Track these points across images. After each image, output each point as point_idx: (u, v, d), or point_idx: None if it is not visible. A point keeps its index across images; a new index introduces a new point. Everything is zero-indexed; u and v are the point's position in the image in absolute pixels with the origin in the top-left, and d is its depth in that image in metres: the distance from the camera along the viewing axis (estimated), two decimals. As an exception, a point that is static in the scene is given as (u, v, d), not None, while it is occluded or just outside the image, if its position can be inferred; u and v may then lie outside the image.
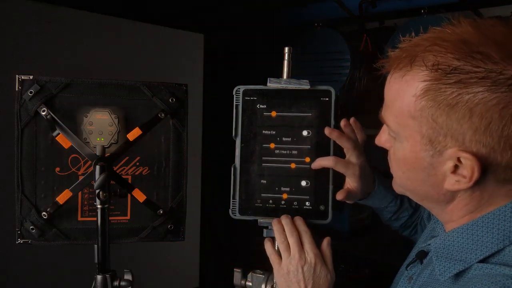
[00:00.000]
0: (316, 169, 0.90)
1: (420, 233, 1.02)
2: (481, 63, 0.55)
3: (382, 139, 0.74)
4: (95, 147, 0.89)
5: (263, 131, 0.93)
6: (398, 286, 0.79)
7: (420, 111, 0.60)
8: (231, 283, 0.97)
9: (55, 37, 1.62)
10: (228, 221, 0.97)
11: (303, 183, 0.92)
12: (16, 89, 0.88)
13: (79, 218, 0.93)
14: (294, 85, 0.92)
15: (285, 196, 0.93)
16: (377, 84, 0.73)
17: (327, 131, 0.89)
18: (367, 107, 0.96)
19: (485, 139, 0.57)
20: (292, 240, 0.84)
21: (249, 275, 0.95)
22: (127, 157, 0.94)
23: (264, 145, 0.93)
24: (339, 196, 0.89)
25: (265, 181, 0.93)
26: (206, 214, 2.19)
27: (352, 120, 0.92)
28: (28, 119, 0.89)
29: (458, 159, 0.60)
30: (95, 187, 0.85)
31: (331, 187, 0.91)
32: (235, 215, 0.95)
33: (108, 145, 0.91)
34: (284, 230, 0.86)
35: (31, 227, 0.90)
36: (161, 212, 0.95)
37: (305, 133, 0.92)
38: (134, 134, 0.91)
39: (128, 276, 0.88)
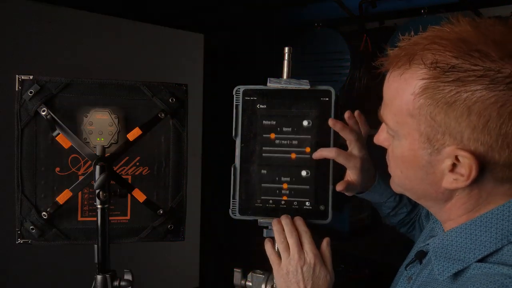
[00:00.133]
0: (317, 159, 0.90)
1: (418, 230, 1.02)
2: (479, 61, 0.55)
3: (381, 137, 0.74)
4: (95, 147, 0.89)
5: (264, 122, 0.93)
6: (397, 286, 0.79)
7: (419, 109, 0.60)
8: (231, 283, 0.97)
9: (55, 37, 1.62)
10: (228, 221, 0.97)
11: (304, 173, 0.92)
12: (16, 89, 0.88)
13: (79, 218, 0.93)
14: (294, 85, 0.92)
15: (285, 186, 0.92)
16: (377, 84, 0.73)
17: (331, 122, 0.89)
18: (367, 107, 0.96)
19: (483, 138, 0.57)
20: (291, 241, 0.84)
21: (249, 275, 0.95)
22: (127, 157, 0.94)
23: (264, 136, 0.93)
24: (339, 187, 0.90)
25: (265, 171, 0.93)
26: (206, 214, 2.19)
27: (356, 112, 0.92)
28: (28, 119, 0.89)
29: (456, 158, 0.60)
30: (95, 187, 0.85)
31: (331, 187, 0.91)
32: (235, 215, 0.95)
33: (108, 145, 0.91)
34: (283, 230, 0.86)
35: (31, 227, 0.90)
36: (161, 212, 0.95)
37: (305, 123, 0.92)
38: (134, 134, 0.91)
39: (128, 276, 0.88)
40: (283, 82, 0.92)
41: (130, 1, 1.81)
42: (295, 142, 0.92)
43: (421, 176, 0.65)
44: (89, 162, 0.90)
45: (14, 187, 0.90)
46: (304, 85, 0.91)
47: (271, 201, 0.93)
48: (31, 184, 0.90)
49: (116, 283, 0.86)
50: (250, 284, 0.95)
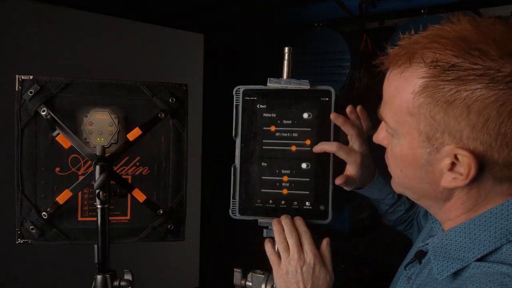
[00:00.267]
0: (318, 152, 0.90)
1: (416, 229, 1.02)
2: (479, 60, 0.56)
3: (380, 136, 0.74)
4: (95, 147, 0.89)
5: (264, 114, 0.93)
6: (397, 286, 0.80)
7: (418, 108, 0.61)
8: (231, 283, 0.97)
9: (55, 37, 1.62)
10: (228, 221, 0.97)
11: (304, 165, 0.92)
12: (16, 89, 0.88)
13: (79, 218, 0.93)
14: (294, 85, 0.92)
15: (285, 178, 0.92)
16: (376, 84, 0.74)
17: (332, 116, 0.90)
18: (367, 107, 0.96)
19: (482, 137, 0.57)
20: (291, 241, 0.84)
21: (249, 275, 0.95)
22: (127, 157, 0.94)
23: (264, 128, 0.93)
24: (338, 181, 0.90)
25: (265, 164, 0.93)
26: (206, 214, 2.19)
27: (358, 108, 0.93)
28: (28, 119, 0.89)
29: (455, 156, 0.60)
30: (95, 187, 0.85)
31: (331, 187, 0.91)
32: (235, 215, 0.95)
33: (108, 145, 0.91)
34: (283, 231, 0.86)
35: (31, 227, 0.90)
36: (161, 212, 0.95)
37: (305, 115, 0.92)
38: (134, 134, 0.91)
39: (128, 276, 0.88)
40: (283, 82, 0.92)
41: (130, 1, 1.81)
42: (295, 134, 0.92)
43: (421, 175, 0.65)
44: (89, 162, 0.90)
45: (14, 187, 0.90)
46: (304, 85, 0.91)
47: (271, 201, 0.93)
48: (31, 184, 0.90)
49: (116, 283, 0.86)
50: (250, 284, 0.95)
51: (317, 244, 0.85)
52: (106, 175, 0.85)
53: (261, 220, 0.93)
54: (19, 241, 0.90)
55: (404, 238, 1.09)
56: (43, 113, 0.88)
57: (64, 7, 1.64)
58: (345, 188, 0.93)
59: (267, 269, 0.93)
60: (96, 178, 0.85)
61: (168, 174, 0.96)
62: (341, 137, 0.93)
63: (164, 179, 0.96)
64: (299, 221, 0.87)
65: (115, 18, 1.80)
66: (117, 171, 0.93)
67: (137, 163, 0.95)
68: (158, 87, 0.95)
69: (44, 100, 0.89)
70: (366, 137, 0.91)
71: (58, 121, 0.88)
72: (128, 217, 0.95)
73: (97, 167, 0.85)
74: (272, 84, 0.92)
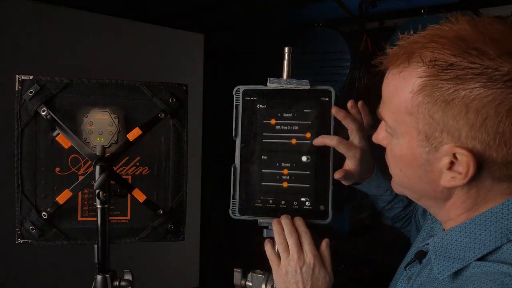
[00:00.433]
0: (318, 145, 0.90)
1: (414, 227, 1.02)
2: (477, 59, 0.56)
3: (380, 136, 0.74)
4: (95, 147, 0.89)
5: (264, 109, 0.93)
6: (397, 287, 0.80)
7: (417, 107, 0.61)
8: (231, 283, 0.97)
9: (55, 37, 1.62)
10: (228, 221, 0.97)
11: (304, 158, 0.92)
12: (16, 89, 0.88)
13: (79, 218, 0.93)
14: (294, 85, 0.92)
15: (285, 171, 0.92)
16: (376, 84, 0.74)
17: (334, 109, 0.90)
18: (367, 107, 0.96)
19: (480, 135, 0.57)
20: (291, 241, 0.84)
21: (249, 275, 0.95)
22: (127, 157, 0.94)
23: (264, 121, 0.93)
24: (337, 175, 0.90)
25: (266, 157, 0.93)
26: (206, 214, 2.19)
27: (360, 103, 0.93)
28: (28, 119, 0.89)
29: (454, 155, 0.60)
30: (95, 187, 0.85)
31: (331, 187, 0.91)
32: (235, 215, 0.95)
33: (108, 145, 0.91)
34: (283, 231, 0.86)
35: (31, 227, 0.90)
36: (161, 212, 0.95)
37: (306, 115, 0.92)
38: (134, 134, 0.91)
39: (128, 276, 0.88)
40: (283, 82, 0.92)
41: (130, 1, 1.81)
42: (295, 133, 0.93)
43: (420, 175, 0.65)
44: (89, 162, 0.90)
45: (14, 187, 0.90)
46: (304, 85, 0.92)
47: (271, 201, 0.93)
48: (31, 184, 0.90)
49: (116, 283, 0.86)
50: (250, 284, 0.95)
51: (317, 244, 0.85)
52: (106, 175, 0.85)
53: (261, 220, 0.93)
54: (19, 241, 0.90)
55: (404, 238, 1.09)
56: (43, 113, 0.88)
57: (64, 7, 1.64)
58: (344, 182, 0.93)
59: (267, 269, 0.93)
60: (96, 178, 0.85)
61: (168, 174, 0.96)
62: (341, 136, 0.93)
63: (164, 179, 0.96)
64: (299, 221, 0.87)
65: (115, 18, 1.80)
66: (117, 171, 0.93)
67: (137, 163, 0.95)
68: (158, 87, 0.95)
69: (44, 100, 0.89)
70: (367, 133, 0.92)
71: (58, 121, 0.88)
72: (128, 217, 0.95)
73: (97, 167, 0.85)
74: (272, 84, 0.92)
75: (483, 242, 0.62)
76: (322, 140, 0.90)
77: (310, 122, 0.92)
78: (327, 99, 0.92)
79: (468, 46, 0.57)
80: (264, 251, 0.88)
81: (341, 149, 0.89)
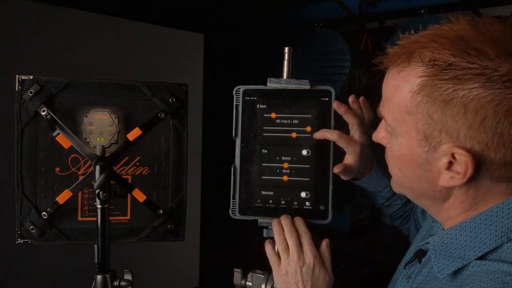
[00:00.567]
0: (318, 139, 0.90)
1: (413, 225, 1.02)
2: (476, 59, 0.56)
3: (380, 135, 0.74)
4: (95, 147, 0.89)
5: (264, 114, 0.93)
6: (396, 286, 0.80)
7: (416, 107, 0.61)
8: (231, 283, 0.97)
9: (55, 37, 1.62)
10: (228, 221, 0.97)
11: (304, 152, 0.92)
12: (16, 89, 0.88)
13: (79, 218, 0.93)
14: (294, 85, 0.92)
15: (285, 165, 0.92)
16: (376, 84, 0.74)
17: (335, 104, 0.90)
18: (368, 102, 0.96)
19: (479, 136, 0.57)
20: (291, 241, 0.84)
21: (249, 275, 0.95)
22: (127, 157, 0.94)
23: (265, 115, 0.93)
24: (337, 169, 0.90)
25: (266, 151, 0.93)
26: (206, 214, 2.19)
27: (361, 98, 0.93)
28: (28, 119, 0.89)
29: (453, 155, 0.60)
30: (95, 187, 0.85)
31: (331, 187, 0.91)
32: (235, 215, 0.95)
33: (108, 145, 0.91)
34: (283, 231, 0.86)
35: (31, 227, 0.90)
36: (161, 212, 0.95)
37: (306, 116, 0.92)
38: (134, 134, 0.91)
39: (128, 276, 0.88)
40: (283, 82, 0.92)
41: (130, 1, 1.81)
42: (295, 133, 0.92)
43: (419, 174, 0.65)
44: (89, 162, 0.90)
45: (14, 187, 0.90)
46: (304, 85, 0.92)
47: (271, 201, 0.93)
48: (31, 184, 0.90)
49: (116, 283, 0.86)
50: (250, 284, 0.95)
51: (317, 244, 0.85)
52: (106, 175, 0.85)
53: (261, 220, 0.93)
54: (19, 241, 0.90)
55: (404, 238, 1.09)
56: (43, 113, 0.88)
57: (64, 7, 1.64)
58: (343, 177, 0.94)
59: (267, 269, 0.93)
60: (96, 178, 0.85)
61: (168, 174, 0.96)
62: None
63: (164, 179, 0.96)
64: (299, 221, 0.87)
65: (115, 18, 1.80)
66: (117, 171, 0.93)
67: (137, 163, 0.95)
68: (158, 87, 0.95)
69: (44, 100, 0.89)
70: (367, 129, 0.92)
71: (58, 121, 0.88)
72: (128, 217, 0.95)
73: (97, 167, 0.85)
74: (272, 84, 0.92)
75: (483, 241, 0.63)
76: (322, 134, 0.90)
77: (310, 122, 0.92)
78: (327, 99, 0.92)
79: (468, 46, 0.57)
80: (264, 251, 0.88)
81: (341, 143, 0.89)
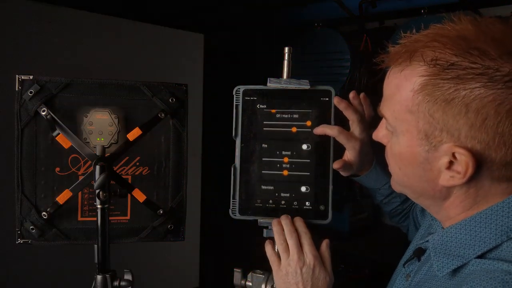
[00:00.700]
0: (318, 134, 0.90)
1: (412, 223, 1.02)
2: (478, 59, 0.56)
3: (380, 134, 0.74)
4: (95, 147, 0.89)
5: (264, 109, 0.93)
6: (395, 284, 0.80)
7: (417, 106, 0.61)
8: (231, 283, 0.97)
9: (55, 37, 1.62)
10: (228, 221, 0.97)
11: (304, 146, 0.92)
12: (16, 89, 0.88)
13: (79, 218, 0.93)
14: (294, 85, 0.92)
15: (286, 160, 0.92)
16: (377, 84, 0.74)
17: (336, 100, 0.90)
18: (368, 99, 0.96)
19: (480, 135, 0.57)
20: (291, 242, 0.84)
21: (249, 275, 0.95)
22: (127, 157, 0.94)
23: (265, 110, 0.93)
24: (336, 165, 0.90)
25: (266, 145, 0.93)
26: (206, 214, 2.19)
27: (362, 95, 0.93)
28: (28, 119, 0.89)
29: (453, 155, 0.60)
30: (95, 187, 0.85)
31: (331, 187, 0.91)
32: (235, 215, 0.95)
33: (108, 145, 0.91)
34: (283, 231, 0.86)
35: (31, 227, 0.90)
36: (161, 212, 0.95)
37: (305, 116, 0.92)
38: (134, 134, 0.91)
39: (128, 276, 0.88)
40: (283, 82, 0.92)
41: (130, 1, 1.81)
42: (295, 134, 0.92)
43: (419, 173, 0.65)
44: (89, 162, 0.90)
45: (14, 187, 0.89)
46: (304, 85, 0.92)
47: (271, 201, 0.93)
48: (31, 184, 0.90)
49: (116, 283, 0.86)
50: (250, 284, 0.95)
51: (317, 244, 0.85)
52: (106, 175, 0.85)
53: (261, 220, 0.93)
54: (19, 241, 0.90)
55: (404, 238, 1.09)
56: (43, 113, 0.88)
57: (64, 7, 1.64)
58: (342, 173, 0.94)
59: (267, 269, 0.93)
60: (96, 178, 0.85)
61: (168, 174, 0.96)
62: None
63: (164, 179, 0.96)
64: (299, 221, 0.87)
65: (115, 18, 1.80)
66: (117, 171, 0.93)
67: (137, 163, 0.95)
68: (158, 87, 0.95)
69: (44, 100, 0.89)
70: (368, 125, 0.92)
71: (58, 121, 0.88)
72: (128, 217, 0.95)
73: (97, 167, 0.85)
74: (272, 84, 0.92)
75: (483, 239, 0.63)
76: (322, 129, 0.90)
77: (310, 122, 0.92)
78: (327, 99, 0.92)
79: (470, 46, 0.57)
80: (264, 251, 0.88)
81: (341, 139, 0.89)
